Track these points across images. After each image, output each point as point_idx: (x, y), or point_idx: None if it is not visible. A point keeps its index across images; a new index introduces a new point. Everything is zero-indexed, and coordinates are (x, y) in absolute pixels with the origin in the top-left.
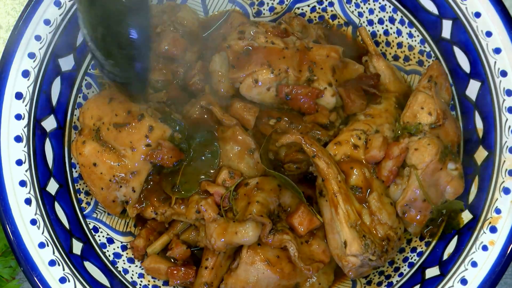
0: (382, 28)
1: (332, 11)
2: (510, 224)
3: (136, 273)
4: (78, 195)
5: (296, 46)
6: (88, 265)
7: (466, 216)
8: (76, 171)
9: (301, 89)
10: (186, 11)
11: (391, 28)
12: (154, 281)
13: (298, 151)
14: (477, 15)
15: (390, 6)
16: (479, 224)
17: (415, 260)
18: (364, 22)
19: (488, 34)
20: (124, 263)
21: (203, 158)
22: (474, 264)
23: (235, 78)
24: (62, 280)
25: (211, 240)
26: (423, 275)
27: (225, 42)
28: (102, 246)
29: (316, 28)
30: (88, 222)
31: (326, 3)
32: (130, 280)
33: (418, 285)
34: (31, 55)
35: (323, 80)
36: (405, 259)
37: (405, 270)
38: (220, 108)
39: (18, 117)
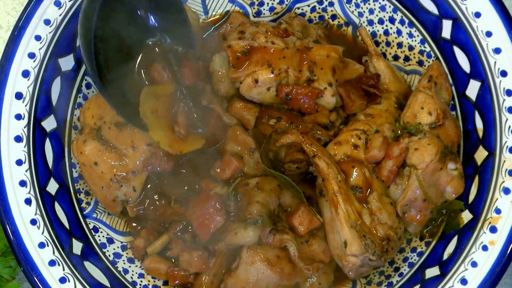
0: (382, 28)
1: (332, 11)
2: (510, 224)
3: (136, 273)
4: (78, 195)
5: (296, 46)
6: (88, 265)
7: (466, 216)
8: (76, 171)
9: (301, 89)
10: (186, 11)
11: (391, 28)
12: (154, 281)
13: (298, 151)
14: (477, 15)
15: (390, 6)
16: (479, 224)
17: (415, 260)
18: (364, 22)
19: (488, 34)
20: (124, 263)
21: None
22: (474, 264)
23: (235, 78)
24: (62, 280)
25: None
26: (423, 275)
27: (225, 42)
28: (102, 246)
29: (316, 28)
30: (88, 222)
31: (326, 3)
32: (130, 280)
33: (418, 285)
34: (31, 55)
35: (323, 80)
36: (405, 259)
37: (405, 270)
38: (220, 107)
39: (18, 117)
